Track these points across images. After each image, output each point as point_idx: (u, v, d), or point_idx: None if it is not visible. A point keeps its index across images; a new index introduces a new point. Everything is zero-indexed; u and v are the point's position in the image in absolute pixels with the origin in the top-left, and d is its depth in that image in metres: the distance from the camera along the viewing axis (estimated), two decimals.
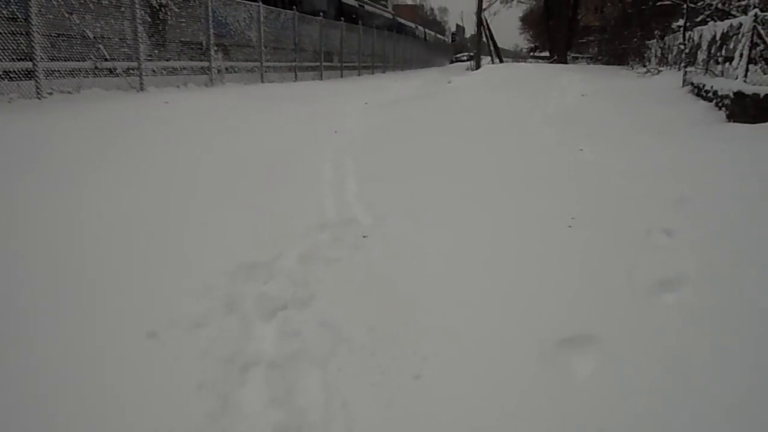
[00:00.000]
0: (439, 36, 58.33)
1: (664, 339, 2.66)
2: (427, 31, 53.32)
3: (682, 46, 12.15)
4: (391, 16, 45.54)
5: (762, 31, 7.79)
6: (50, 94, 7.59)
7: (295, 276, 3.23)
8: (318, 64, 18.64)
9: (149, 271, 3.14)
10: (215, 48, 11.91)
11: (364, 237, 3.83)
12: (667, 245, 3.76)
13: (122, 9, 9.13)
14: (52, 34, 7.90)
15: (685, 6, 12.92)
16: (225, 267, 3.24)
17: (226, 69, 12.58)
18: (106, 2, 8.82)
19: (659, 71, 13.36)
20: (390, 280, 3.20)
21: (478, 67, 22.79)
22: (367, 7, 30.92)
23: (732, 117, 7.69)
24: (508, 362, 2.49)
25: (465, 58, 45.83)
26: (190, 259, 3.35)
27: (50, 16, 7.80)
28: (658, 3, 14.99)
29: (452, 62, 49.80)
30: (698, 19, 12.16)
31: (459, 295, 3.05)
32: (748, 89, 7.51)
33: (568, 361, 2.51)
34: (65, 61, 8.12)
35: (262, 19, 13.97)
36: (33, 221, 3.55)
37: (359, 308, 2.88)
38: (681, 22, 13.22)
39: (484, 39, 26.04)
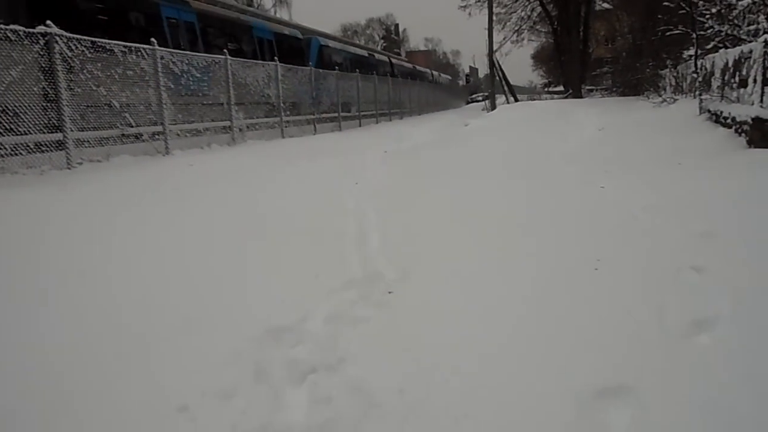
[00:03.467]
0: (445, 76, 59.36)
1: (702, 385, 2.60)
2: (441, 74, 54.50)
3: (695, 75, 12.15)
4: (410, 65, 47.06)
5: None
6: (80, 163, 7.87)
7: (322, 338, 3.24)
8: (336, 115, 19.03)
9: (176, 341, 3.18)
10: (236, 108, 12.27)
11: (389, 293, 3.85)
12: (698, 283, 3.70)
13: (146, 78, 9.51)
14: (81, 106, 8.26)
15: (694, 35, 12.98)
16: (252, 332, 3.26)
17: (247, 127, 12.93)
18: (131, 73, 9.21)
19: (675, 100, 13.34)
20: (417, 338, 3.19)
21: (493, 107, 23.00)
22: (377, 56, 33.54)
23: (753, 143, 7.61)
24: (544, 420, 2.45)
25: (480, 98, 46.41)
26: (216, 324, 3.39)
27: (78, 90, 8.16)
28: (668, 33, 15.07)
29: (468, 103, 50.46)
30: (709, 46, 12.18)
31: (488, 350, 3.02)
32: (766, 114, 7.45)
33: (605, 414, 2.46)
34: (94, 130, 8.45)
35: (280, 77, 14.39)
36: (60, 294, 3.65)
37: (388, 370, 2.86)
38: (692, 51, 13.27)
39: (498, 79, 26.36)
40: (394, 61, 39.74)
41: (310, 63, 18.32)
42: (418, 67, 48.62)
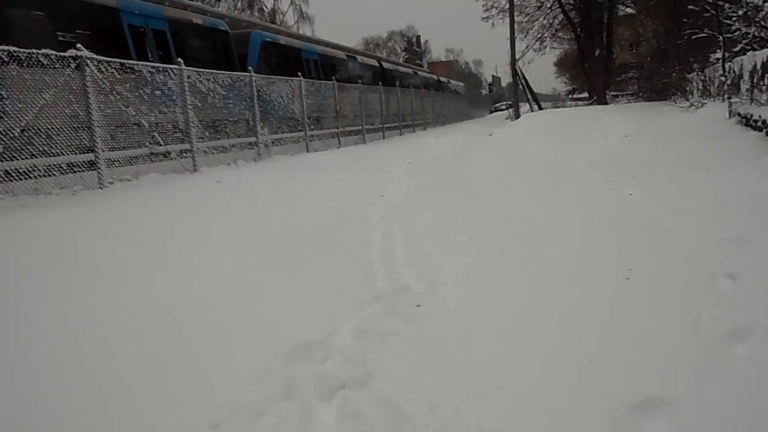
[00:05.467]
0: (455, 82, 54.94)
1: (741, 397, 2.54)
2: (450, 80, 51.69)
3: (723, 78, 11.94)
4: (435, 77, 45.66)
5: None
6: (111, 183, 8.04)
7: (351, 353, 3.25)
8: (360, 128, 19.14)
9: (204, 358, 3.22)
10: (261, 124, 12.44)
11: (417, 306, 3.84)
12: (732, 291, 3.62)
13: (174, 97, 9.71)
14: (111, 126, 8.46)
15: (721, 38, 12.77)
16: (280, 348, 3.28)
17: (273, 142, 13.09)
18: (159, 93, 9.41)
19: (703, 104, 13.10)
20: (447, 352, 3.17)
21: (517, 116, 22.90)
22: (361, 59, 28.34)
23: None
24: None
25: (504, 107, 46.12)
26: (245, 341, 3.42)
27: (109, 110, 8.36)
28: (694, 36, 14.85)
29: (491, 112, 50.19)
30: (737, 49, 11.97)
31: (519, 363, 2.99)
32: None
33: (641, 427, 2.42)
34: (124, 149, 8.64)
35: (303, 92, 14.55)
36: (95, 310, 3.72)
37: (418, 384, 2.85)
38: (719, 54, 13.05)
39: (521, 87, 26.24)
40: (387, 66, 32.99)
41: (249, 65, 13.59)
42: (421, 72, 43.54)
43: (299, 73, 14.90)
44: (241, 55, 16.05)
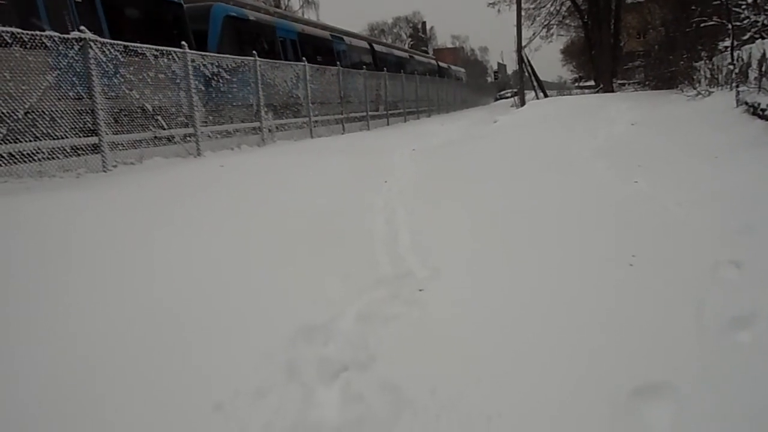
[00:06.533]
0: (456, 68, 51.87)
1: (743, 383, 2.53)
2: (450, 66, 49.35)
3: (731, 66, 11.83)
4: (434, 62, 44.36)
5: None
6: (115, 166, 8.03)
7: (353, 337, 3.25)
8: (364, 114, 19.05)
9: (210, 340, 3.22)
10: (265, 109, 12.39)
11: (420, 291, 3.84)
12: (737, 279, 3.61)
13: (178, 81, 9.67)
14: (115, 110, 8.44)
15: (730, 26, 12.63)
16: (283, 331, 3.29)
17: (276, 127, 13.05)
18: (163, 76, 9.37)
19: (710, 93, 12.99)
20: (449, 336, 3.18)
21: (522, 103, 22.77)
22: (349, 40, 25.26)
23: None
24: (579, 418, 2.41)
25: (509, 95, 45.73)
26: (248, 325, 3.42)
27: (112, 93, 8.33)
28: (702, 24, 14.69)
29: (497, 100, 49.83)
30: (745, 37, 11.84)
31: (521, 348, 2.99)
32: None
33: (643, 413, 2.42)
34: (128, 133, 8.63)
35: (308, 77, 14.48)
36: (98, 294, 3.73)
37: (420, 368, 2.86)
38: (728, 42, 12.92)
39: (527, 75, 26.08)
40: (379, 49, 29.53)
41: (209, 44, 11.95)
42: (418, 57, 39.88)
43: (272, 55, 13.07)
44: (200, 32, 13.73)
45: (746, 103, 9.81)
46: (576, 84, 47.06)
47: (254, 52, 12.05)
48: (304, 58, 14.96)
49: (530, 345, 3.03)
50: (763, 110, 8.70)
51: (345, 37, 24.36)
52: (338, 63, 18.10)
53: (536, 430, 2.37)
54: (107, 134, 7.98)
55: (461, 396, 2.60)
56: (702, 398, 2.47)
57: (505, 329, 3.23)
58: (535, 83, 26.89)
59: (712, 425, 2.30)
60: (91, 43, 7.64)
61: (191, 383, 2.79)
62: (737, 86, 10.90)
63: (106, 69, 8.05)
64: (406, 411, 2.54)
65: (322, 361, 3.00)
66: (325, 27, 26.14)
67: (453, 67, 51.00)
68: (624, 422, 2.37)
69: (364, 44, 27.52)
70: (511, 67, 59.81)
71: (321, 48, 20.59)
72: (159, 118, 9.34)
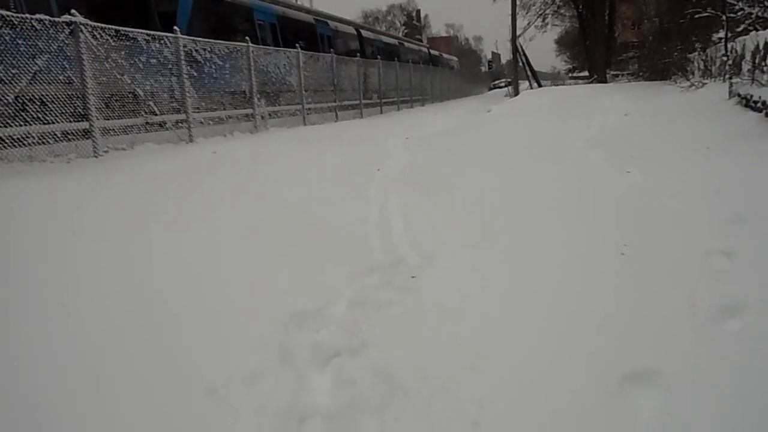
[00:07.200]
0: (448, 57, 50.04)
1: (732, 370, 2.56)
2: (443, 54, 47.74)
3: (725, 58, 11.86)
4: (426, 50, 43.77)
5: None
6: (106, 152, 7.98)
7: (346, 323, 3.26)
8: (358, 102, 18.99)
9: (202, 326, 3.22)
10: (258, 95, 12.31)
11: (412, 278, 3.84)
12: (727, 268, 3.64)
13: (170, 66, 9.58)
14: (106, 95, 8.36)
15: (724, 17, 12.65)
16: (277, 317, 3.29)
17: (269, 114, 12.98)
18: (154, 61, 9.29)
19: (703, 84, 13.03)
20: (442, 322, 3.19)
21: (516, 93, 22.75)
22: (385, 39, 25.25)
23: None
24: (569, 403, 2.43)
25: (503, 84, 45.63)
26: (242, 310, 3.42)
27: (104, 78, 8.25)
28: (696, 15, 14.71)
29: (490, 89, 49.72)
30: (739, 29, 11.87)
31: (513, 335, 3.01)
32: None
33: (633, 399, 2.44)
34: (119, 119, 8.56)
35: (301, 64, 14.39)
36: (88, 280, 3.71)
37: (412, 354, 2.87)
38: (722, 33, 12.95)
39: (521, 64, 26.04)
40: (367, 35, 28.13)
41: (178, 26, 10.21)
42: (409, 44, 38.21)
43: (248, 40, 12.30)
44: (168, 13, 12.43)
45: (739, 95, 9.85)
46: (570, 74, 47.09)
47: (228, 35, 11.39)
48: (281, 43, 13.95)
49: (522, 332, 3.05)
50: (755, 102, 8.74)
51: (330, 22, 23.08)
52: (322, 49, 17.41)
53: (528, 415, 2.38)
54: (98, 119, 7.91)
55: (453, 381, 2.62)
56: (691, 385, 2.49)
57: (497, 316, 3.24)
58: (529, 73, 26.87)
59: (700, 410, 2.33)
60: (82, 27, 7.55)
61: (184, 368, 2.79)
62: (730, 78, 10.94)
63: (97, 53, 7.97)
64: (398, 395, 2.55)
65: (315, 347, 3.00)
66: (309, 11, 24.42)
67: (445, 55, 49.87)
68: (614, 407, 2.39)
69: (351, 30, 26.10)
70: (506, 56, 59.69)
71: (303, 33, 19.33)
72: (151, 103, 9.27)
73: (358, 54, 20.52)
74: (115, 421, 2.43)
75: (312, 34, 20.04)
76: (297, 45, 14.92)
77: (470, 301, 3.45)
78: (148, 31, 9.11)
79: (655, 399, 2.43)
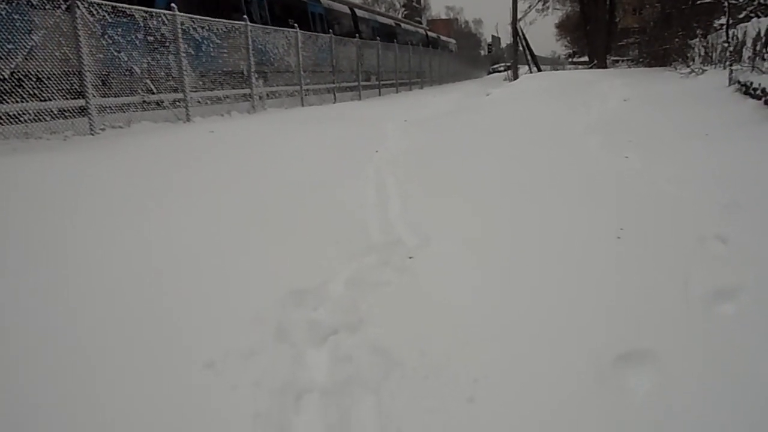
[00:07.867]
0: (446, 39, 48.46)
1: (725, 353, 2.59)
2: (446, 39, 47.11)
3: (726, 44, 11.81)
4: (423, 32, 43.06)
5: None
6: (102, 129, 7.94)
7: (343, 301, 3.27)
8: (356, 84, 18.89)
9: (201, 303, 3.23)
10: (256, 75, 12.23)
11: (410, 258, 3.86)
12: (722, 253, 3.66)
13: (167, 44, 9.50)
14: (103, 72, 8.30)
15: (726, 3, 12.58)
16: (274, 295, 3.30)
17: (267, 95, 12.91)
18: (152, 39, 9.20)
19: (703, 71, 12.98)
20: (438, 301, 3.21)
21: (515, 77, 22.66)
22: (380, 19, 24.47)
23: None
24: (563, 382, 2.46)
25: (502, 68, 45.31)
26: (239, 289, 3.43)
27: (100, 56, 8.18)
28: (698, 2, 14.63)
29: (490, 73, 49.47)
30: (741, 16, 11.81)
31: (508, 315, 3.03)
32: None
33: (626, 379, 2.47)
34: (115, 97, 8.51)
35: (300, 44, 14.28)
36: (84, 259, 3.72)
37: (409, 332, 2.89)
38: (723, 20, 12.88)
39: (521, 48, 25.89)
40: (361, 14, 26.90)
41: (158, 3, 10.26)
42: (405, 25, 36.42)
43: (235, 18, 11.89)
44: None
45: (739, 82, 9.83)
46: (570, 59, 46.88)
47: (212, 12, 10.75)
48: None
49: (517, 311, 3.07)
50: (755, 89, 8.72)
51: (323, 0, 21.87)
52: (314, 28, 16.71)
53: (521, 393, 2.41)
54: (95, 97, 7.86)
55: (449, 359, 2.64)
56: (684, 366, 2.52)
57: (493, 296, 3.26)
58: (529, 57, 26.72)
59: (691, 390, 2.36)
60: (78, 3, 7.47)
61: (181, 343, 2.81)
62: (731, 65, 10.90)
63: (93, 30, 7.89)
64: (395, 372, 2.57)
65: (312, 324, 3.02)
66: None
67: (443, 38, 48.80)
68: (608, 385, 2.42)
69: (345, 9, 24.88)
70: (506, 40, 59.10)
71: (293, 10, 18.38)
72: (148, 81, 9.21)
73: (356, 35, 20.12)
74: (115, 387, 2.46)
75: (303, 12, 19.21)
76: (289, 23, 14.26)
77: (466, 281, 3.47)
78: (146, 8, 9.01)
79: (648, 378, 2.46)
